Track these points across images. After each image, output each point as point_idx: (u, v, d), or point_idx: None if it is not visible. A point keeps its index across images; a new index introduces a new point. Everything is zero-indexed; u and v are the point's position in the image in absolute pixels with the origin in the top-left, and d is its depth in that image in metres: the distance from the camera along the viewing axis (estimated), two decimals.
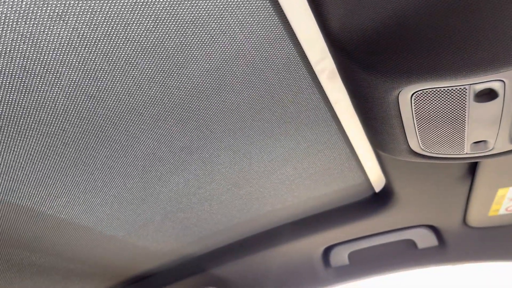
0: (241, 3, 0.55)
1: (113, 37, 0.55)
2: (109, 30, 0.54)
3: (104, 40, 0.55)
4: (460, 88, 0.55)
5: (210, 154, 0.90)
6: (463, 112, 0.59)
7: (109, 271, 1.38)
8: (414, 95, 0.58)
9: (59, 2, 0.48)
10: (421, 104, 0.60)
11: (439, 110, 0.60)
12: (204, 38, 0.59)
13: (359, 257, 1.40)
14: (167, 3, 0.52)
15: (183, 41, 0.59)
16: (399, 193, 1.11)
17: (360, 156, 1.01)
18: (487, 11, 0.48)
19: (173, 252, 1.36)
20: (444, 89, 0.56)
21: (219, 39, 0.59)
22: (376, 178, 1.13)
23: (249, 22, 0.58)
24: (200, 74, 0.67)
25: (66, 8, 0.49)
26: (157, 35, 0.57)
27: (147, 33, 0.56)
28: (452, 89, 0.55)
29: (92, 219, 0.99)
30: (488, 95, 0.56)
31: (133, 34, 0.56)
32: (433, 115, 0.62)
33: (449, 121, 0.62)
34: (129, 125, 0.75)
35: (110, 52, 0.58)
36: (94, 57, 0.57)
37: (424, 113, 0.62)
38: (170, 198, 1.03)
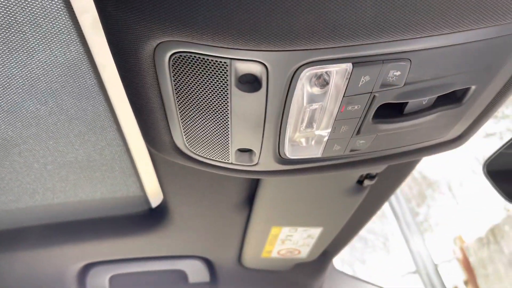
0: None
1: None
2: None
3: None
4: (221, 62, 0.44)
5: None
6: (225, 100, 0.48)
7: None
8: (172, 58, 0.45)
9: None
10: (179, 76, 0.47)
11: (199, 89, 0.48)
12: None
13: (122, 283, 1.20)
14: None
15: None
16: (174, 214, 0.97)
17: (136, 156, 0.84)
18: None
19: None
20: (204, 59, 0.44)
21: None
22: (155, 190, 0.97)
23: None
24: None
25: None
26: None
27: None
28: (212, 60, 0.44)
29: None
30: (252, 84, 0.46)
31: None
32: (193, 95, 0.49)
33: (210, 109, 0.50)
34: None
35: None
36: None
37: (183, 91, 0.48)
38: None
